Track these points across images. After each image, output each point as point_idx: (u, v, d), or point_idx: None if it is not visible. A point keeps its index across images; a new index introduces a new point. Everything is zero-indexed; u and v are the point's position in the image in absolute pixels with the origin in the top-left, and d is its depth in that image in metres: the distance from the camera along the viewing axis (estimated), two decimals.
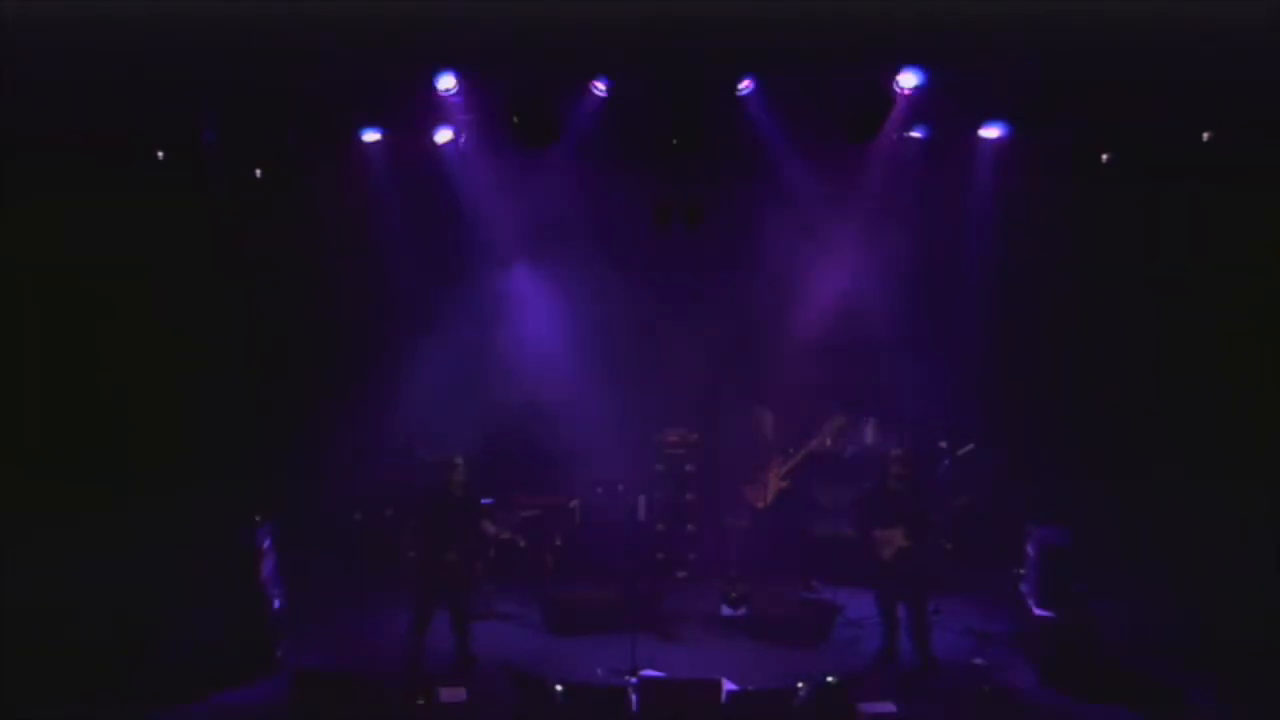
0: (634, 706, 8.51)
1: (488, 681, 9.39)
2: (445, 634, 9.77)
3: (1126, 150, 11.19)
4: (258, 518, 10.35)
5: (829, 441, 11.96)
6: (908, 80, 10.32)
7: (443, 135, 11.59)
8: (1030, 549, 10.31)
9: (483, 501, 10.64)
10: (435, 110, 11.08)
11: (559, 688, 8.46)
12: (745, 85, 10.64)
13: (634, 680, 9.03)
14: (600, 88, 10.64)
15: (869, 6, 8.73)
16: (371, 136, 11.46)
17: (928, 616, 9.89)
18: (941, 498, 10.83)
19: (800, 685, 8.61)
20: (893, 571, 9.82)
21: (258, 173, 11.71)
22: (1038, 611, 9.91)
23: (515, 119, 10.68)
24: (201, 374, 12.02)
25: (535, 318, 12.81)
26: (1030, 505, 11.08)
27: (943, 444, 11.90)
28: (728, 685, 8.51)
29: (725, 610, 10.95)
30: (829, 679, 8.65)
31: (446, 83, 10.49)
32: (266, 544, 10.18)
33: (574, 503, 12.34)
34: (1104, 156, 11.33)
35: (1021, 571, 10.51)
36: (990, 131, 11.32)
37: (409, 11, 8.82)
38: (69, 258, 11.21)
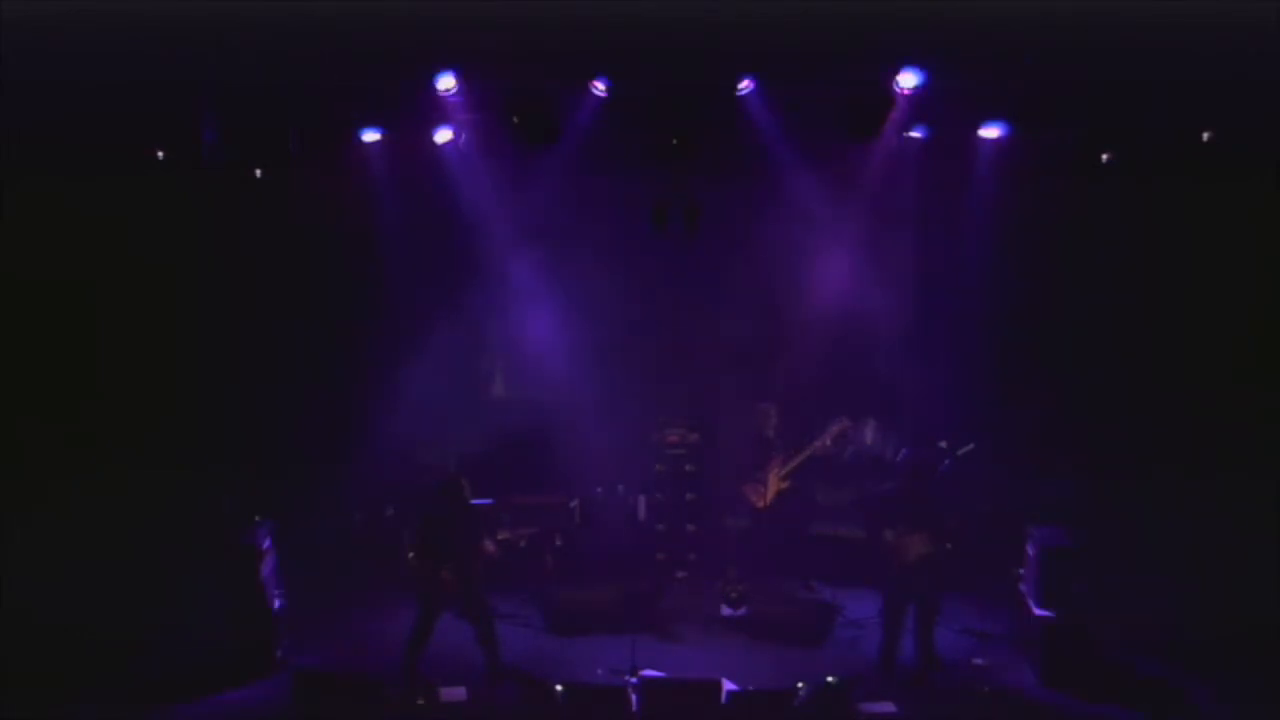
0: (634, 706, 8.52)
1: (488, 681, 9.40)
2: (445, 636, 9.75)
3: (1126, 150, 11.19)
4: (258, 518, 10.35)
5: (830, 444, 11.96)
6: (908, 80, 10.32)
7: (443, 135, 11.59)
8: (1030, 549, 10.31)
9: (483, 502, 10.63)
10: (435, 110, 11.08)
11: (559, 688, 8.47)
12: (745, 85, 10.64)
13: (634, 680, 9.03)
14: (600, 88, 10.64)
15: (869, 6, 8.74)
16: (371, 136, 11.45)
17: (935, 617, 9.87)
18: (960, 502, 10.80)
19: (800, 685, 8.62)
20: (912, 575, 9.75)
21: (258, 173, 11.71)
22: (1038, 611, 9.91)
23: (515, 119, 10.69)
24: (201, 374, 12.01)
25: (535, 318, 12.81)
26: (1030, 505, 11.09)
27: (943, 444, 11.89)
28: (728, 685, 8.51)
29: (725, 610, 10.95)
30: (829, 679, 8.66)
31: (446, 83, 10.49)
32: (266, 544, 10.18)
33: (574, 503, 12.34)
34: (1104, 156, 11.33)
35: (1021, 571, 10.51)
36: (990, 131, 11.32)
37: (409, 11, 8.83)
38: (69, 258, 11.19)
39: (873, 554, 10.16)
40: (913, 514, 9.76)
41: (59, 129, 10.22)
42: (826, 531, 12.19)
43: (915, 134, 11.55)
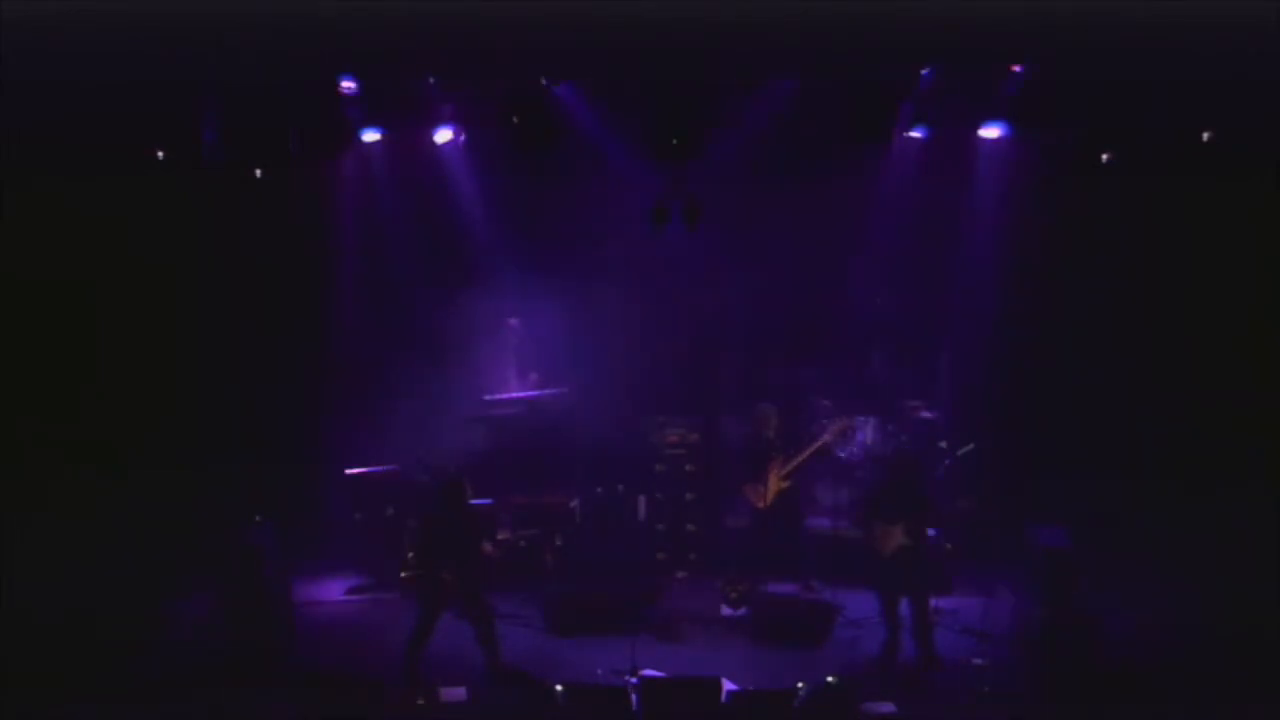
0: (634, 706, 8.52)
1: (488, 681, 9.41)
2: (445, 637, 9.76)
3: (1126, 150, 11.20)
4: (258, 518, 10.35)
5: (831, 442, 11.97)
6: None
7: (443, 135, 11.59)
8: (1030, 549, 10.31)
9: (483, 502, 10.63)
10: (435, 110, 11.09)
11: (559, 688, 8.47)
12: (745, 86, 10.66)
13: (634, 680, 9.03)
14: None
15: (869, 6, 8.73)
16: (371, 136, 11.46)
17: (929, 615, 9.91)
18: (941, 497, 10.85)
19: (800, 685, 8.62)
20: (892, 569, 9.85)
21: (258, 173, 11.72)
22: (1038, 612, 9.91)
23: (515, 119, 10.70)
24: (201, 374, 12.02)
25: (535, 317, 12.81)
26: (1030, 505, 11.09)
27: (943, 444, 11.90)
28: (728, 685, 8.52)
29: (725, 610, 10.95)
30: (829, 679, 8.66)
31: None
32: (266, 544, 10.18)
33: (574, 503, 12.34)
34: (1104, 156, 11.34)
35: (1021, 571, 10.51)
36: (990, 131, 11.32)
37: (409, 11, 8.82)
38: (69, 258, 11.21)
39: (860, 551, 10.22)
40: (895, 507, 9.81)
41: (59, 129, 10.23)
42: (826, 531, 12.18)
43: (915, 134, 11.56)
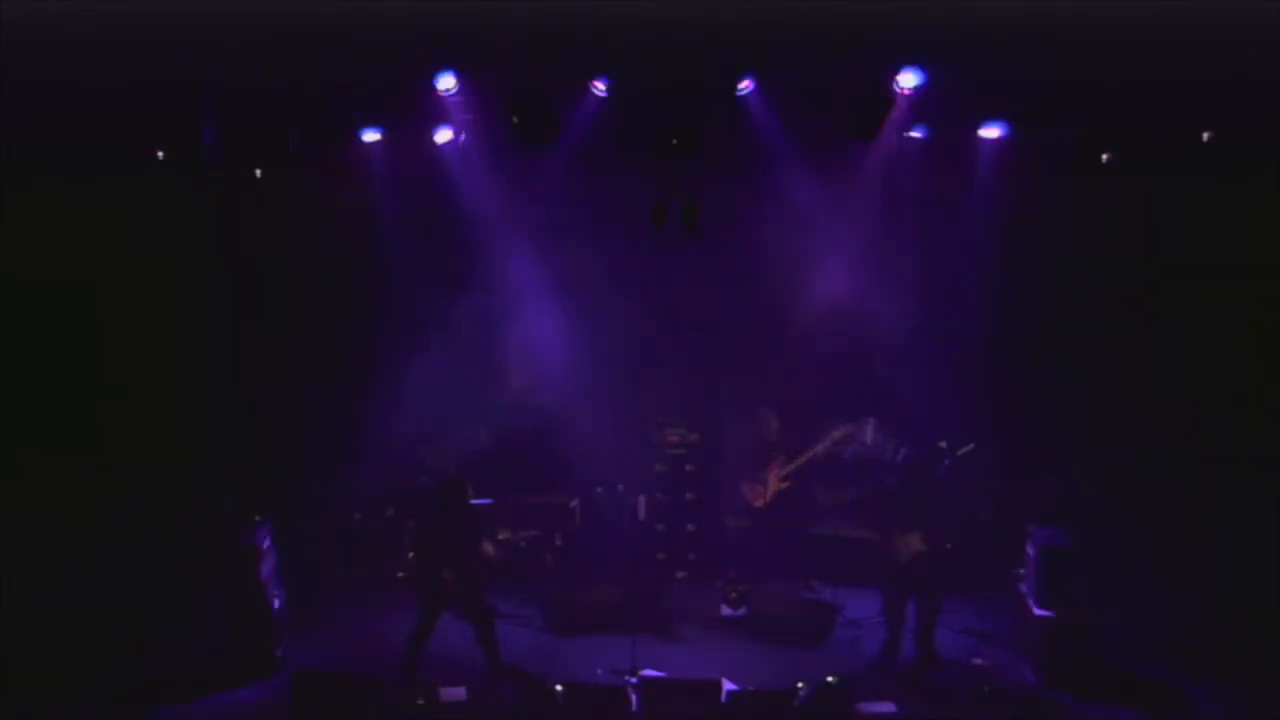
0: (634, 706, 8.53)
1: (488, 681, 9.41)
2: (445, 636, 9.76)
3: (1126, 150, 11.20)
4: (258, 518, 10.35)
5: (832, 445, 11.97)
6: (908, 80, 10.33)
7: (443, 135, 11.59)
8: (1030, 549, 10.31)
9: (482, 502, 10.63)
10: (435, 110, 11.09)
11: (559, 688, 8.48)
12: (745, 85, 10.65)
13: (634, 680, 9.03)
14: (600, 88, 10.64)
15: (869, 6, 8.73)
16: (371, 136, 11.46)
17: (936, 616, 9.89)
18: (960, 501, 10.83)
19: (800, 685, 8.63)
20: (908, 573, 9.82)
21: (258, 173, 11.72)
22: (1038, 611, 9.91)
23: (515, 119, 10.69)
24: (201, 374, 12.01)
25: (534, 317, 12.81)
26: (1030, 505, 11.09)
27: (943, 444, 11.91)
28: (728, 685, 8.53)
29: (725, 610, 10.95)
30: (829, 679, 8.67)
31: (446, 83, 10.50)
32: (266, 544, 10.18)
33: (574, 503, 12.34)
34: (1104, 156, 11.34)
35: (1021, 571, 10.52)
36: (990, 131, 11.33)
37: (409, 11, 8.83)
38: (69, 258, 11.20)
39: (873, 554, 10.20)
40: (911, 513, 9.80)
41: (59, 129, 10.22)
42: (826, 531, 12.18)
43: (915, 134, 11.56)
